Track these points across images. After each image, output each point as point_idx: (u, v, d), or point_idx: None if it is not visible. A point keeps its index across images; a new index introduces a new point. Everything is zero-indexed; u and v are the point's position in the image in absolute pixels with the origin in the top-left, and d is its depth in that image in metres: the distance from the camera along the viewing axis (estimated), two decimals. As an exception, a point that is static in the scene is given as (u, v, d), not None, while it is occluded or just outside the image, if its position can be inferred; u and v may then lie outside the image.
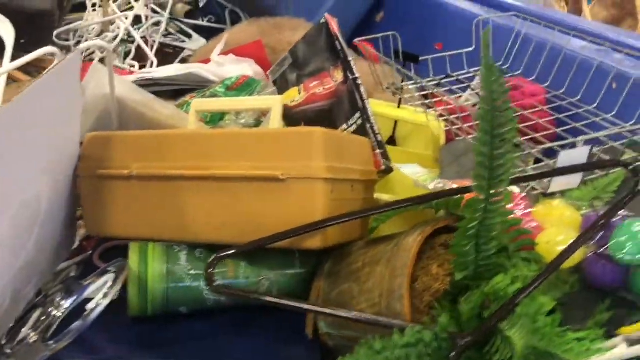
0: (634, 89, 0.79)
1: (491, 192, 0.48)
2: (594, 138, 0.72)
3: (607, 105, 0.81)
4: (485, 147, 0.47)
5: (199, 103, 0.71)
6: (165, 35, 1.36)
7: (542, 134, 0.76)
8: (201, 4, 1.50)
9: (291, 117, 0.93)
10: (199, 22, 1.39)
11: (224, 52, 1.06)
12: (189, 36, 1.35)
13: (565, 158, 0.56)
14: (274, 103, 0.68)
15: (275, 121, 0.68)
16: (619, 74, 0.81)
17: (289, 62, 0.95)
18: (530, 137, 0.77)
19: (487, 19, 0.97)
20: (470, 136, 0.78)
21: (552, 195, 0.61)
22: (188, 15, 1.46)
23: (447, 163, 0.77)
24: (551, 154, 0.77)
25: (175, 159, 0.61)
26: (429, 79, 0.95)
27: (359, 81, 0.84)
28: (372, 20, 1.30)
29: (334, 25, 0.88)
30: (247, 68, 0.96)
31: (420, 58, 0.96)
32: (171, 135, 0.63)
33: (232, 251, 0.53)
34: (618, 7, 1.49)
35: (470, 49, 0.98)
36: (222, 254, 0.52)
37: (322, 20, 0.89)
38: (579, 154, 0.56)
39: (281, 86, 0.96)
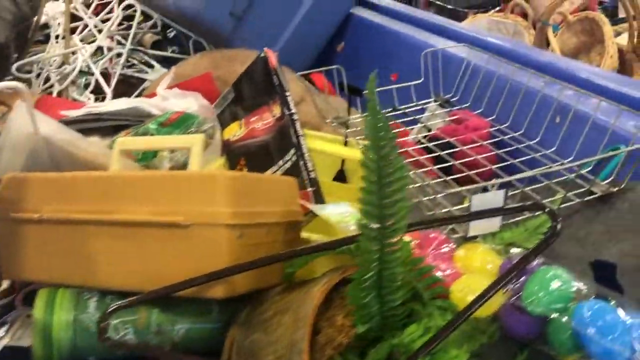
0: (575, 124, 0.77)
1: (385, 242, 0.46)
2: (531, 176, 0.70)
3: (550, 140, 0.79)
4: (372, 196, 0.45)
5: (122, 142, 0.70)
6: (129, 66, 1.36)
7: (476, 171, 0.74)
8: (170, 35, 1.49)
9: (232, 152, 0.91)
10: (162, 53, 1.39)
11: (174, 85, 1.05)
12: (152, 67, 1.34)
13: (478, 202, 0.54)
14: (193, 142, 0.67)
15: (194, 162, 0.66)
16: (562, 108, 0.79)
17: (231, 96, 0.94)
18: (465, 174, 0.75)
19: (436, 50, 0.96)
20: (415, 171, 0.76)
21: (474, 238, 0.59)
22: (155, 45, 1.46)
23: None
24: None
25: (83, 202, 0.59)
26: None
27: (295, 116, 0.82)
28: (334, 50, 1.29)
29: (273, 59, 0.86)
30: (193, 102, 0.95)
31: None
32: (80, 177, 0.61)
33: (125, 302, 0.51)
34: (587, 34, 1.47)
35: (419, 81, 0.96)
36: (114, 307, 0.50)
37: (262, 54, 0.88)
38: (492, 198, 0.54)
39: (224, 120, 0.95)
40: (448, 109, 0.94)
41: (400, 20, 1.20)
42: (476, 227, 0.57)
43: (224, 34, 1.10)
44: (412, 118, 0.92)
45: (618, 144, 0.71)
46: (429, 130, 0.92)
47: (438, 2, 1.73)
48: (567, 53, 1.51)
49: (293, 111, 0.82)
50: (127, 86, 1.32)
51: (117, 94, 1.26)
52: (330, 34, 1.24)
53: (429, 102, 0.96)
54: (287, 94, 0.84)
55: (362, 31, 1.23)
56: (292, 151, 0.80)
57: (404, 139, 0.96)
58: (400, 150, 0.81)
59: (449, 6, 1.71)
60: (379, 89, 0.96)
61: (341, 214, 0.69)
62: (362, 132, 0.94)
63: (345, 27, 1.26)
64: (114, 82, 1.28)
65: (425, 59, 0.95)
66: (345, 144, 0.93)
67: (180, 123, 0.82)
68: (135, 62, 1.37)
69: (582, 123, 0.75)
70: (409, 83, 0.95)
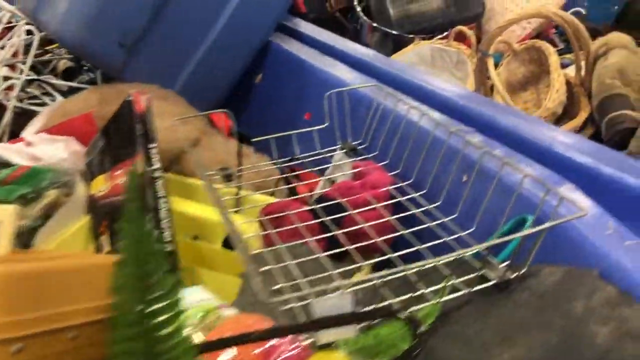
0: (481, 184, 0.65)
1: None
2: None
3: (454, 202, 0.67)
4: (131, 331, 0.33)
5: None
6: (30, 98, 1.24)
7: (364, 243, 0.62)
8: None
9: (96, 210, 0.78)
10: (67, 82, 1.26)
11: (57, 125, 0.92)
12: (54, 98, 1.22)
13: (319, 309, 0.42)
14: (3, 217, 0.54)
15: (4, 238, 0.54)
16: (469, 164, 0.68)
17: (101, 144, 0.81)
18: (357, 245, 0.63)
19: (340, 91, 0.84)
20: (287, 244, 0.64)
21: (328, 345, 0.47)
22: (66, 72, 1.34)
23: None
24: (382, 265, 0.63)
25: None
26: (267, 162, 0.82)
27: (157, 174, 0.70)
28: (252, 82, 1.17)
29: (141, 104, 0.74)
30: (62, 149, 0.82)
31: (264, 137, 0.82)
32: None
33: None
34: (536, 63, 1.37)
35: (323, 126, 0.84)
36: None
37: (129, 97, 0.76)
38: (338, 302, 0.42)
39: (92, 171, 0.82)
40: (353, 159, 0.82)
41: (322, 51, 1.09)
42: (327, 334, 0.45)
43: (116, 66, 0.98)
44: (317, 168, 0.80)
45: (527, 213, 0.60)
46: (333, 184, 0.80)
47: (382, 28, 1.62)
48: (515, 84, 1.40)
49: (155, 167, 0.70)
50: (27, 119, 1.20)
51: (18, 129, 1.14)
52: (245, 65, 1.12)
53: (334, 150, 0.84)
54: (152, 145, 0.71)
55: (280, 62, 1.12)
56: (148, 217, 0.68)
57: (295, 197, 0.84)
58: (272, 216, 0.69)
59: (394, 32, 1.60)
60: (276, 135, 0.84)
61: (196, 301, 0.57)
62: (254, 187, 0.83)
63: (264, 57, 1.14)
64: (8, 115, 1.15)
65: (329, 101, 0.83)
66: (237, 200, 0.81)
67: (28, 179, 0.70)
68: (37, 93, 1.24)
69: (487, 183, 0.64)
70: (312, 128, 0.84)
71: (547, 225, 0.51)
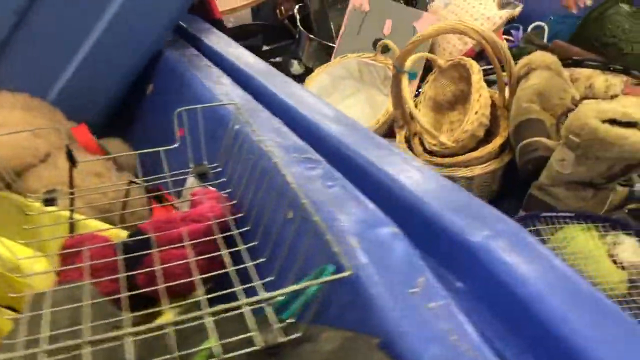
0: (305, 220, 0.57)
1: None
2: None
3: (278, 242, 0.59)
4: None
5: None
6: None
7: (165, 285, 0.54)
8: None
9: None
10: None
11: None
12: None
13: None
14: None
15: None
16: (293, 198, 0.60)
17: None
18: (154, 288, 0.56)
19: (194, 108, 0.76)
20: (71, 284, 0.56)
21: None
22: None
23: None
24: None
25: None
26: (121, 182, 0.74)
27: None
28: (143, 92, 1.10)
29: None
30: None
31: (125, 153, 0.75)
32: None
33: None
34: (465, 81, 1.29)
35: (172, 146, 0.77)
36: None
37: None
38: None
39: None
40: (204, 184, 0.74)
41: (216, 63, 1.02)
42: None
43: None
44: (172, 190, 0.73)
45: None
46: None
47: (317, 39, 1.55)
48: (443, 103, 1.32)
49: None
50: None
51: None
52: (133, 73, 1.04)
53: (186, 174, 0.76)
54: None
55: (168, 72, 1.04)
56: None
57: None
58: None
59: (330, 43, 1.53)
60: (128, 153, 0.77)
61: None
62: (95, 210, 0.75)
63: (155, 66, 1.07)
64: None
65: (180, 119, 0.76)
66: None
67: None
68: None
69: (307, 224, 0.56)
70: (158, 148, 0.76)
71: (305, 284, 0.43)
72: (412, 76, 1.21)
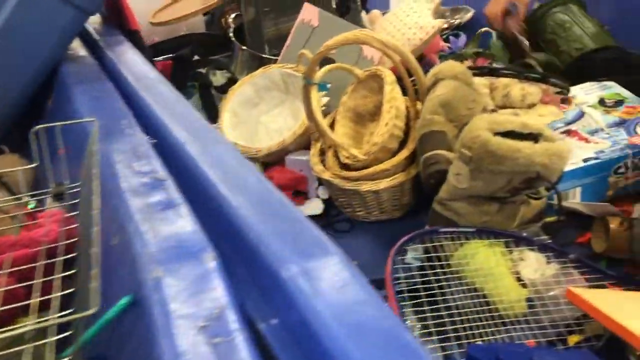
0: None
1: None
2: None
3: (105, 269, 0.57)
4: None
5: None
6: None
7: None
8: None
9: None
10: None
11: None
12: None
13: None
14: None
15: None
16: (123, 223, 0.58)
17: None
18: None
19: (52, 126, 0.74)
20: None
21: None
22: None
23: None
24: None
25: None
26: None
27: None
28: (45, 104, 1.07)
29: None
30: None
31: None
32: None
33: None
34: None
35: (30, 166, 0.75)
36: None
37: None
38: None
39: None
40: (61, 204, 0.72)
41: (113, 77, 1.00)
42: None
43: None
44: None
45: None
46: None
47: (250, 50, 1.53)
48: (364, 114, 1.30)
49: None
50: None
51: None
52: (30, 85, 1.02)
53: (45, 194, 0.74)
54: None
55: (60, 86, 1.02)
56: None
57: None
58: None
59: (263, 55, 1.51)
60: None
61: None
62: None
63: (54, 78, 1.05)
64: None
65: (37, 138, 0.73)
66: None
67: None
68: None
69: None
70: (17, 168, 0.74)
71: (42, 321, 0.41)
72: (322, 88, 1.18)
